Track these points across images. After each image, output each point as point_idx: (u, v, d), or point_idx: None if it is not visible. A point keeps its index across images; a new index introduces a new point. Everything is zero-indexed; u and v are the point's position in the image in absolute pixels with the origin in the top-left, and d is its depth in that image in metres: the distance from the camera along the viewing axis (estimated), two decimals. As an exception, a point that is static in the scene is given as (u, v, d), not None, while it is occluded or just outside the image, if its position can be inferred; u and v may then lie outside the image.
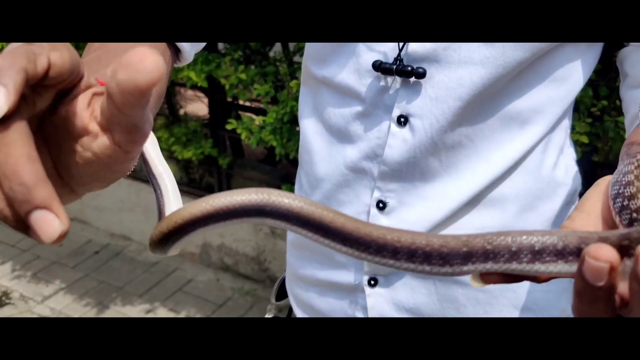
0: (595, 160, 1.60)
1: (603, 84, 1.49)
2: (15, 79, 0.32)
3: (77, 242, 3.16)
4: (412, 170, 0.73)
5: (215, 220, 0.41)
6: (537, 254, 0.38)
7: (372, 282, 0.79)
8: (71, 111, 0.37)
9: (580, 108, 1.51)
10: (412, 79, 0.69)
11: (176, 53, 0.73)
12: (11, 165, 0.31)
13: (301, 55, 2.18)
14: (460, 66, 0.67)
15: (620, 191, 0.43)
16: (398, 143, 0.72)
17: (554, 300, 0.83)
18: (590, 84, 1.45)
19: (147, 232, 3.09)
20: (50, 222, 0.32)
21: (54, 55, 0.35)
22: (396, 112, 0.71)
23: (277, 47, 2.32)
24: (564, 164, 0.78)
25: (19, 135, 0.32)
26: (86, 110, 0.38)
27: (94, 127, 0.38)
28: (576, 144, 1.50)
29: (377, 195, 0.76)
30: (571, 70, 0.72)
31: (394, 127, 0.72)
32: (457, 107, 0.69)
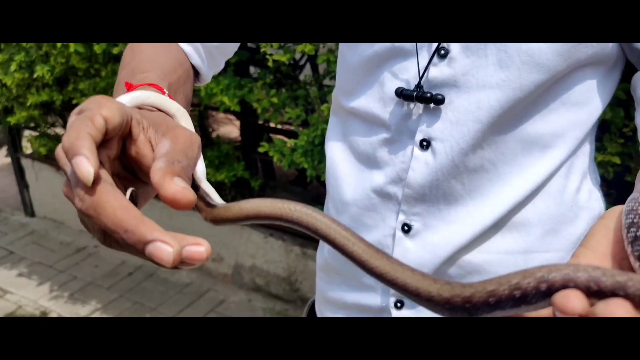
0: (628, 181, 1.59)
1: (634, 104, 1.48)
2: (88, 147, 0.38)
3: (111, 264, 3.22)
4: (435, 193, 0.75)
5: (265, 219, 0.45)
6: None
7: (399, 305, 0.81)
8: (138, 150, 0.44)
9: (611, 128, 1.51)
10: (432, 105, 0.72)
11: (196, 74, 0.77)
12: (114, 220, 0.38)
13: (331, 78, 2.22)
14: (478, 90, 0.70)
15: (635, 220, 0.41)
16: (421, 166, 0.74)
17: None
18: (621, 104, 1.45)
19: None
20: (162, 249, 0.37)
21: (104, 112, 0.41)
22: (419, 137, 0.74)
23: (307, 70, 2.36)
24: (587, 188, 0.79)
25: (110, 193, 0.39)
26: (147, 144, 0.44)
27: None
28: (608, 164, 1.50)
29: (402, 218, 0.78)
30: (591, 94, 0.73)
31: (417, 150, 0.74)
32: (477, 130, 0.71)
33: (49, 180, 3.59)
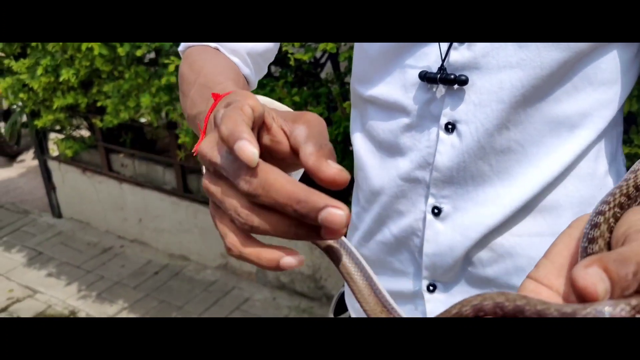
0: (656, 173, 1.57)
1: (662, 95, 1.46)
2: (248, 131, 0.40)
3: (137, 263, 3.26)
4: (463, 175, 0.76)
5: None
6: None
7: (431, 288, 0.81)
8: (272, 137, 0.47)
9: (637, 120, 1.49)
10: (456, 87, 0.72)
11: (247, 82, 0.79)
12: (285, 193, 0.39)
13: (346, 75, 2.22)
14: (500, 71, 0.70)
15: (587, 231, 0.40)
16: (447, 149, 0.75)
17: None
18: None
19: (204, 253, 3.16)
20: (336, 212, 0.38)
21: (250, 102, 0.44)
22: (443, 120, 0.74)
23: (328, 68, 2.37)
24: (615, 170, 0.79)
25: (275, 170, 0.40)
26: (280, 132, 0.46)
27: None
28: (635, 157, 1.48)
29: (431, 201, 0.78)
30: (618, 73, 0.72)
31: (443, 134, 0.75)
32: (501, 110, 0.71)
33: (75, 182, 3.64)
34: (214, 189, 0.44)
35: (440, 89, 0.74)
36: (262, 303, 2.85)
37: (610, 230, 0.40)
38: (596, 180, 0.76)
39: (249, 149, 0.39)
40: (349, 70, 2.22)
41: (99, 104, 2.83)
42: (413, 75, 0.75)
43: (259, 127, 0.47)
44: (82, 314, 2.87)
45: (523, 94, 0.70)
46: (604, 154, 0.77)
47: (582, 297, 0.32)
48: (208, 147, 0.43)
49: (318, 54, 2.39)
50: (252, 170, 0.40)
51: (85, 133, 3.47)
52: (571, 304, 0.33)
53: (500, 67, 0.70)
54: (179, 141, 2.53)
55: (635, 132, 1.49)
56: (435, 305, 0.81)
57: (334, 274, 2.65)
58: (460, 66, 0.72)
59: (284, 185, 0.39)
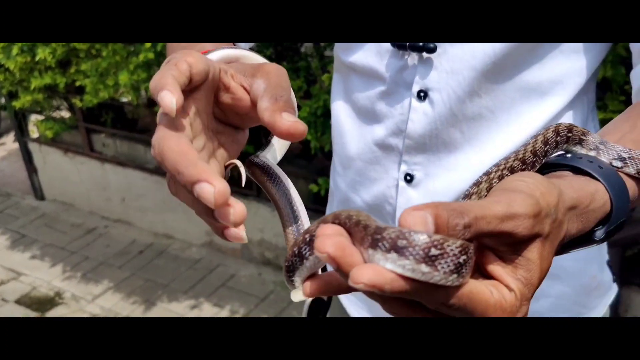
0: (631, 139, 1.59)
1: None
2: (171, 83, 0.41)
3: (122, 243, 3.26)
4: (435, 143, 0.76)
5: None
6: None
7: None
8: (232, 96, 0.48)
9: (612, 86, 1.50)
10: (425, 54, 0.72)
11: None
12: (171, 163, 0.40)
13: (332, 49, 2.21)
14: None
15: (468, 188, 0.44)
16: (419, 117, 0.75)
17: (584, 267, 0.84)
18: (623, 61, 1.44)
19: (188, 231, 3.16)
20: (205, 187, 0.39)
21: (189, 59, 0.44)
22: (415, 88, 0.75)
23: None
24: None
25: (173, 138, 0.41)
26: (240, 88, 0.48)
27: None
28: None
29: (404, 168, 0.79)
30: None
31: (415, 102, 0.75)
32: (473, 78, 0.71)
33: (56, 163, 3.62)
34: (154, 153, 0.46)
35: (413, 57, 0.74)
36: (248, 279, 2.87)
37: (489, 189, 0.43)
38: None
39: (168, 98, 0.40)
40: (328, 44, 2.21)
41: (77, 83, 2.80)
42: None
43: (216, 89, 0.47)
44: (67, 295, 2.87)
45: (494, 61, 0.70)
46: (576, 121, 0.77)
47: None
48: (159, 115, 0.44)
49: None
50: (157, 134, 0.42)
51: (66, 114, 3.43)
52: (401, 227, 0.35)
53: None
54: (159, 119, 2.52)
55: (610, 98, 1.51)
56: None
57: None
58: None
59: (173, 154, 0.40)
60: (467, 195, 0.43)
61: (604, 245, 0.90)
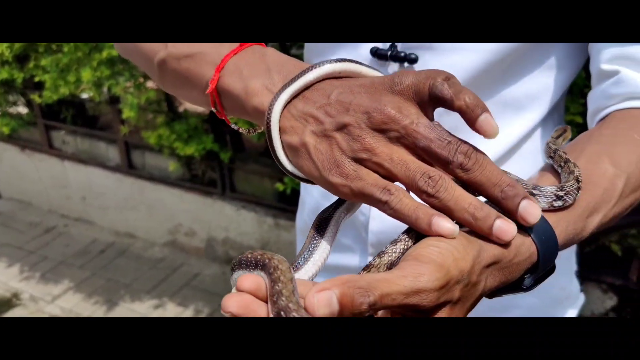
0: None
1: (595, 65, 1.52)
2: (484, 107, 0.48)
3: (82, 242, 3.20)
4: None
5: None
6: None
7: None
8: None
9: (573, 89, 1.55)
10: (406, 64, 0.73)
11: None
12: (498, 174, 0.46)
13: (298, 48, 2.21)
14: (453, 52, 0.71)
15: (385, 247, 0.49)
16: None
17: (554, 279, 0.87)
18: (583, 66, 1.48)
19: (151, 230, 3.12)
20: (534, 205, 0.45)
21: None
22: None
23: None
24: None
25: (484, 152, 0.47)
26: None
27: None
28: (571, 124, 1.54)
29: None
30: (567, 59, 0.75)
31: None
32: None
33: (13, 160, 3.52)
34: (388, 150, 0.46)
35: (393, 66, 0.74)
36: (212, 278, 2.85)
37: (391, 264, 0.46)
38: (539, 158, 0.78)
39: (493, 122, 0.45)
40: (294, 43, 2.21)
41: (36, 79, 2.73)
42: (365, 50, 0.75)
43: None
44: (25, 296, 2.81)
45: (474, 76, 0.71)
46: (548, 134, 0.79)
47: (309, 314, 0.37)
48: (397, 110, 0.46)
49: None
50: (469, 147, 0.46)
51: (23, 110, 3.34)
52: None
53: (454, 48, 0.70)
54: (123, 116, 2.48)
55: (571, 101, 1.55)
56: None
57: (283, 248, 2.67)
58: (414, 45, 0.72)
59: (497, 168, 0.45)
60: (366, 268, 0.46)
61: (573, 256, 0.92)
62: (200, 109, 3.04)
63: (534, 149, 0.78)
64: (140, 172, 3.02)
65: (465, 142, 0.46)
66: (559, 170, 0.57)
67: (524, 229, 0.48)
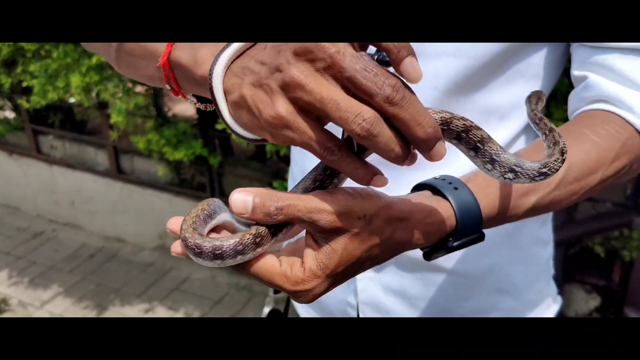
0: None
1: (578, 71, 1.56)
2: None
3: (71, 247, 3.19)
4: None
5: None
6: None
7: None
8: None
9: (557, 95, 1.58)
10: (391, 69, 0.75)
11: None
12: (424, 114, 0.46)
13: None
14: (436, 58, 0.73)
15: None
16: None
17: (532, 283, 0.89)
18: (566, 72, 1.51)
19: (140, 234, 3.13)
20: (443, 148, 0.47)
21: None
22: None
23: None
24: None
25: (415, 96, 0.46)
26: None
27: None
28: (554, 129, 1.57)
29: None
30: (548, 67, 0.77)
31: None
32: (434, 97, 0.74)
33: (1, 165, 3.51)
34: (319, 85, 0.45)
35: None
36: (202, 282, 2.86)
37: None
38: None
39: (418, 66, 0.45)
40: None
41: (24, 84, 2.73)
42: None
43: None
44: (14, 301, 2.80)
45: (457, 82, 0.73)
46: (531, 140, 0.81)
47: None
48: (337, 46, 0.45)
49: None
50: (397, 81, 0.45)
51: (10, 114, 3.33)
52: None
53: (436, 54, 0.72)
54: (111, 121, 2.48)
55: (555, 107, 1.58)
56: (366, 283, 0.86)
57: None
58: None
59: (423, 107, 0.45)
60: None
61: (550, 260, 0.95)
62: (188, 113, 3.05)
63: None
64: (129, 177, 3.03)
65: (394, 75, 0.45)
66: (543, 139, 0.58)
67: (443, 196, 0.58)
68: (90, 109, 2.88)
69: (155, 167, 2.84)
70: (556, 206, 0.66)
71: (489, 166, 0.53)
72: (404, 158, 0.48)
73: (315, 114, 0.46)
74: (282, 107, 0.45)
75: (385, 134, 0.45)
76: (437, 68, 0.73)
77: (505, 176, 0.52)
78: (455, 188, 0.59)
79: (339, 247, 0.50)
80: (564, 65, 0.81)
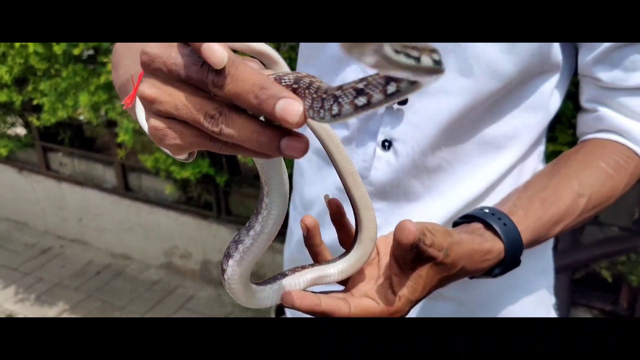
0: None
1: (583, 96, 1.55)
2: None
3: (78, 263, 3.20)
4: (396, 191, 0.79)
5: None
6: None
7: None
8: None
9: (562, 120, 1.58)
10: (396, 106, 0.75)
11: None
12: (251, 80, 0.40)
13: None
14: (438, 95, 0.73)
15: None
16: (383, 165, 0.78)
17: (533, 310, 0.89)
18: (571, 96, 1.51)
19: (147, 251, 3.13)
20: (293, 103, 0.39)
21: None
22: (380, 137, 0.77)
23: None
24: None
25: (242, 62, 0.41)
26: None
27: None
28: (559, 154, 1.56)
29: None
30: (543, 100, 0.78)
31: (379, 151, 0.78)
32: (436, 133, 0.75)
33: (10, 181, 3.54)
34: (168, 95, 0.42)
35: (382, 107, 0.77)
36: (207, 301, 2.85)
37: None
38: None
39: (218, 50, 0.40)
40: (292, 68, 2.24)
41: (35, 102, 2.76)
42: None
43: None
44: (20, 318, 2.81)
45: (457, 118, 0.74)
46: (527, 171, 0.82)
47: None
48: (158, 48, 0.42)
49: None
50: (227, 66, 0.40)
51: (21, 131, 3.37)
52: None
53: (439, 92, 0.73)
54: (119, 139, 2.50)
55: (560, 130, 1.58)
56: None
57: (277, 270, 2.67)
58: None
59: (252, 73, 0.40)
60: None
61: (551, 289, 0.95)
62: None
63: (514, 185, 0.80)
64: (136, 195, 3.04)
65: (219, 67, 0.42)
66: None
67: (494, 230, 0.66)
68: (99, 127, 2.90)
69: (163, 185, 2.85)
70: (575, 227, 0.77)
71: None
72: (271, 143, 0.41)
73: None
74: (151, 124, 0.44)
75: (237, 122, 0.41)
76: (439, 105, 0.74)
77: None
78: (505, 224, 0.67)
79: (424, 274, 0.58)
80: (562, 97, 0.81)
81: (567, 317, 0.92)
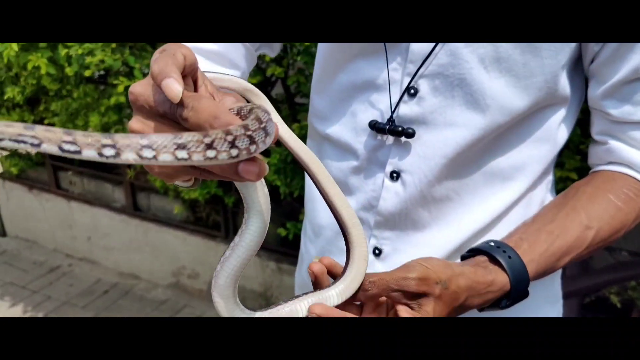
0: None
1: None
2: (176, 72, 0.45)
3: (86, 282, 3.21)
4: (404, 221, 0.80)
5: None
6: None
7: None
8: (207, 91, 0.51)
9: (569, 146, 1.58)
10: (403, 139, 0.76)
11: None
12: (207, 111, 0.44)
13: (301, 96, 2.26)
14: (446, 128, 0.74)
15: None
16: (391, 196, 0.79)
17: None
18: (578, 122, 1.51)
19: (154, 271, 3.14)
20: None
21: (183, 50, 0.48)
22: (389, 168, 0.78)
23: (278, 88, 2.40)
24: None
25: (207, 97, 0.46)
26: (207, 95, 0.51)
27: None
28: (567, 180, 1.56)
29: (373, 242, 0.82)
30: (551, 132, 0.78)
31: (387, 181, 0.78)
32: (443, 164, 0.75)
33: (20, 199, 3.56)
34: (150, 128, 0.47)
35: (389, 138, 0.77)
36: (214, 321, 2.84)
37: None
38: None
39: (174, 86, 0.44)
40: (298, 91, 2.26)
41: (46, 121, 2.79)
42: (364, 120, 0.79)
43: (193, 80, 0.51)
44: (28, 336, 2.80)
45: (464, 150, 0.75)
46: (535, 202, 0.82)
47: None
48: (141, 87, 0.47)
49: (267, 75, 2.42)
50: (190, 99, 0.45)
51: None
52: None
53: (446, 124, 0.74)
54: (129, 160, 2.52)
55: (567, 156, 1.58)
56: None
57: (285, 292, 2.67)
58: (408, 120, 0.75)
59: (209, 106, 0.44)
60: None
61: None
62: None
63: (521, 215, 0.80)
64: (145, 214, 3.05)
65: (190, 95, 0.46)
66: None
67: (499, 264, 0.67)
68: (109, 146, 2.92)
69: (171, 205, 2.86)
70: (582, 259, 0.77)
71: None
72: (230, 167, 0.45)
73: None
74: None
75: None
76: (446, 137, 0.74)
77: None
78: (509, 257, 0.68)
79: (430, 309, 0.60)
80: (570, 129, 0.81)
81: (567, 317, 0.91)
